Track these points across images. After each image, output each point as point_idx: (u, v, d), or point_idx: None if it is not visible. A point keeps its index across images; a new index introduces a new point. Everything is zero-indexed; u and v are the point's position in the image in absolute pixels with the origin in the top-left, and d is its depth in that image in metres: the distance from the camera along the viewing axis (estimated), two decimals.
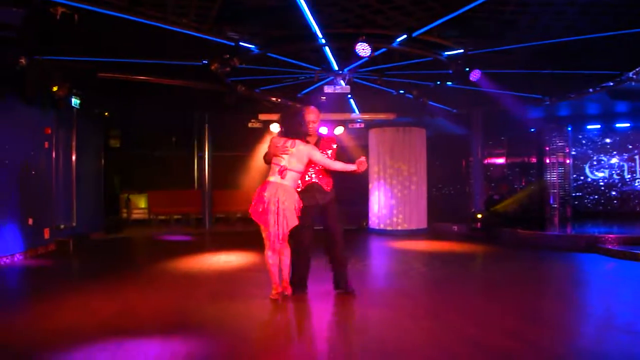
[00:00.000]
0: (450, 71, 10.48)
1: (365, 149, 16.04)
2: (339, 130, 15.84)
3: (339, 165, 7.06)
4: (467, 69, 10.15)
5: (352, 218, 16.26)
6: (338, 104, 14.31)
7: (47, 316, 6.34)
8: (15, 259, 10.31)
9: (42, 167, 11.58)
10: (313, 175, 7.26)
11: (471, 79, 10.30)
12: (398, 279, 8.06)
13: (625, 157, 18.00)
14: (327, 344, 5.41)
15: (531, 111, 15.36)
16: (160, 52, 10.04)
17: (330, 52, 9.93)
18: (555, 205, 17.40)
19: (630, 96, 12.95)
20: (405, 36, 8.90)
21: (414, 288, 8.06)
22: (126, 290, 7.76)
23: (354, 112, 15.62)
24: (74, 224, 13.21)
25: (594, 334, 5.80)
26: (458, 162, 19.17)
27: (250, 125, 16.01)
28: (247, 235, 15.18)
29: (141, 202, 19.28)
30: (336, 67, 10.77)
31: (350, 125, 15.87)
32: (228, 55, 9.51)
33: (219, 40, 8.97)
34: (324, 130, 16.31)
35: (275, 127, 16.12)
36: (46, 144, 11.80)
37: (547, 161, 17.94)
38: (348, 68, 10.77)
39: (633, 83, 11.55)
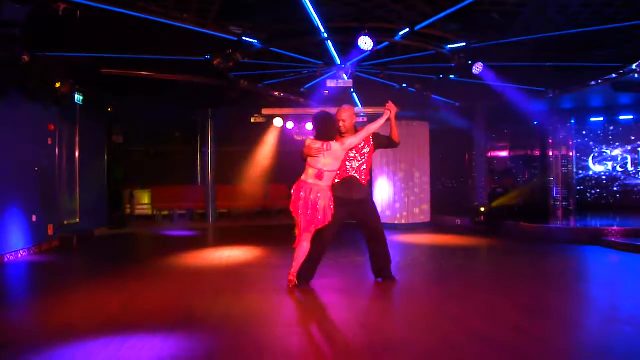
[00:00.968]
0: (453, 64, 10.46)
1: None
2: None
3: (373, 127, 7.27)
4: (470, 62, 10.13)
5: None
6: (341, 98, 14.29)
7: (52, 312, 6.36)
8: (20, 255, 10.32)
9: (45, 164, 11.59)
10: (350, 169, 7.36)
11: (474, 72, 10.29)
12: (402, 273, 8.05)
13: (629, 149, 17.98)
14: (331, 337, 5.41)
15: (534, 104, 15.33)
16: (163, 47, 10.03)
17: (333, 46, 9.91)
18: (559, 198, 17.38)
19: (634, 88, 12.92)
20: (407, 30, 8.88)
21: (418, 281, 8.07)
22: (130, 286, 7.78)
23: (357, 106, 15.61)
24: (78, 220, 13.25)
25: (598, 327, 5.81)
26: (461, 156, 19.15)
27: (253, 120, 16.00)
28: (251, 230, 15.24)
29: (145, 197, 19.31)
30: (339, 61, 10.75)
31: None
32: (231, 50, 9.50)
33: (221, 35, 8.96)
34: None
35: (278, 122, 16.14)
36: (49, 140, 11.79)
37: (551, 154, 17.92)
38: (351, 62, 10.75)
39: (636, 75, 11.52)
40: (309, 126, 16.01)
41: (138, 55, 10.39)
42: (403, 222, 15.76)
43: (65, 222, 12.57)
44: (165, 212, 18.81)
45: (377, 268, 7.72)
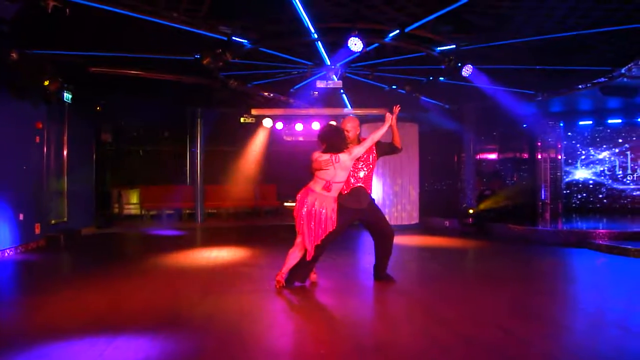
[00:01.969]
0: (443, 66, 10.47)
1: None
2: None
3: (377, 135, 7.38)
4: (460, 65, 10.15)
5: None
6: (330, 99, 14.30)
7: (37, 311, 6.33)
8: (6, 254, 10.27)
9: (33, 162, 11.53)
10: (358, 179, 7.45)
11: (463, 74, 10.31)
12: (390, 274, 8.05)
13: (617, 153, 18.06)
14: (319, 338, 5.40)
15: (524, 107, 15.38)
16: (153, 46, 10.00)
17: (323, 46, 9.91)
18: (547, 201, 17.43)
19: (622, 92, 12.97)
20: (398, 31, 8.89)
21: (406, 283, 8.06)
22: (117, 286, 7.74)
23: (346, 107, 15.62)
24: (65, 219, 13.19)
25: (585, 329, 5.82)
26: (450, 158, 19.15)
27: (242, 120, 16.01)
28: (239, 231, 15.21)
29: (133, 197, 19.25)
30: (328, 62, 10.75)
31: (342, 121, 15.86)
32: (220, 50, 9.48)
33: (211, 34, 8.94)
34: (316, 125, 16.35)
35: (268, 123, 16.13)
36: (37, 139, 11.74)
37: (539, 157, 17.97)
38: (340, 63, 10.75)
39: (625, 79, 11.58)
40: (298, 127, 16.02)
41: (128, 54, 10.34)
42: (391, 223, 15.69)
43: (53, 221, 12.52)
44: (154, 212, 18.76)
45: (378, 267, 7.87)
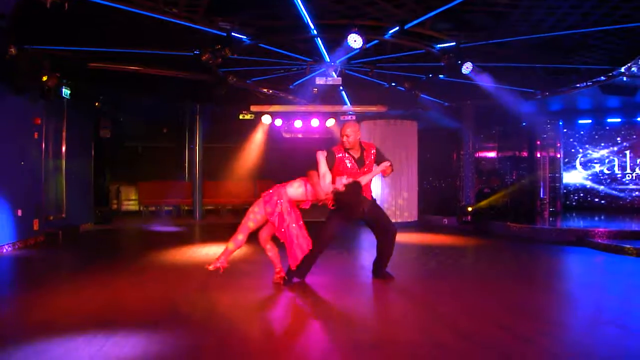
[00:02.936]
0: (443, 64, 10.45)
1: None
2: (330, 122, 15.82)
3: (369, 176, 7.47)
4: (459, 62, 10.13)
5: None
6: (330, 95, 14.29)
7: (35, 307, 6.31)
8: (4, 250, 10.25)
9: (31, 158, 11.51)
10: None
11: (463, 71, 10.28)
12: (389, 272, 8.03)
13: (616, 151, 18.07)
14: (318, 335, 5.39)
15: (523, 105, 15.37)
16: (151, 42, 9.98)
17: (322, 43, 9.89)
18: (546, 199, 17.43)
19: (622, 91, 12.96)
20: (397, 28, 8.87)
21: (405, 280, 8.05)
22: (115, 282, 7.73)
23: (345, 104, 15.61)
24: (64, 215, 13.18)
25: (582, 327, 5.81)
26: (449, 155, 19.15)
27: (241, 116, 16.01)
28: (237, 227, 15.18)
29: (131, 193, 19.28)
30: (328, 59, 10.73)
31: (341, 118, 15.89)
32: (219, 46, 9.46)
33: (210, 30, 8.92)
34: (315, 122, 16.34)
35: (267, 119, 16.11)
36: (36, 135, 11.72)
37: (538, 155, 17.96)
38: (340, 60, 10.73)
39: (625, 78, 11.57)
40: (297, 123, 15.99)
41: (126, 50, 10.32)
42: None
43: (51, 217, 12.50)
44: (152, 208, 18.77)
45: (378, 265, 7.88)
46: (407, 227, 15.45)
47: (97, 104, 15.21)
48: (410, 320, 5.89)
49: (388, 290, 7.40)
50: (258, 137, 18.64)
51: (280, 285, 7.32)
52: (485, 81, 11.51)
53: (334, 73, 11.16)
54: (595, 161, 18.42)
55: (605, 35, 9.20)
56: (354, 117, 15.85)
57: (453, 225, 15.37)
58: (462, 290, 7.45)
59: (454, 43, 9.62)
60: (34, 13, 7.84)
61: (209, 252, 10.38)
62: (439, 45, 9.74)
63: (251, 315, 6.14)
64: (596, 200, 18.38)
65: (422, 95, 13.83)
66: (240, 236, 7.19)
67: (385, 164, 7.44)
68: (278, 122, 16.85)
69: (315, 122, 16.77)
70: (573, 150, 18.71)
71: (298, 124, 16.91)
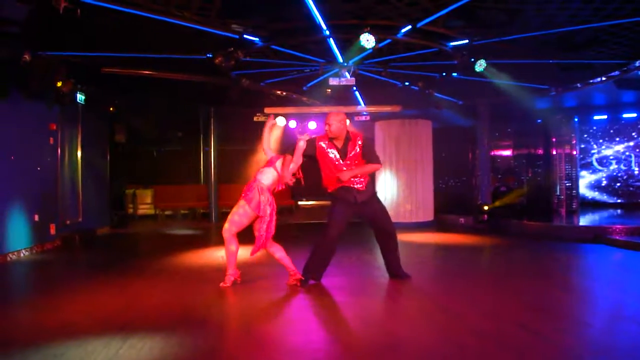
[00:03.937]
0: (456, 62, 10.41)
1: (371, 142, 15.97)
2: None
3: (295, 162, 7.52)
4: (473, 59, 10.08)
5: None
6: (344, 96, 14.27)
7: (53, 311, 6.34)
8: (22, 254, 10.33)
9: (47, 163, 11.59)
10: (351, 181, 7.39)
11: (477, 69, 10.22)
12: (405, 271, 8.01)
13: (632, 147, 17.93)
14: (334, 336, 5.38)
15: (538, 102, 15.29)
16: (165, 46, 10.00)
17: (335, 43, 9.87)
18: (562, 197, 17.33)
19: (637, 85, 12.86)
20: (410, 27, 8.84)
21: (422, 280, 8.02)
22: (132, 285, 7.76)
23: (359, 104, 15.58)
24: (80, 220, 13.24)
25: (603, 325, 5.77)
26: (464, 154, 19.08)
27: (255, 119, 16.01)
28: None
29: (147, 197, 19.31)
30: (341, 59, 10.71)
31: (356, 118, 15.85)
32: (232, 49, 9.47)
33: (222, 33, 8.93)
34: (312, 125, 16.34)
35: (281, 121, 16.12)
36: (51, 140, 11.79)
37: (554, 152, 17.87)
38: (353, 60, 10.70)
39: None
40: (311, 125, 16.02)
41: (140, 54, 10.35)
42: (406, 221, 15.71)
43: (68, 222, 12.56)
44: (168, 212, 18.83)
45: (389, 266, 7.88)
46: (423, 226, 15.43)
47: (111, 108, 15.28)
48: (427, 320, 5.86)
49: (404, 290, 7.38)
50: (272, 139, 18.63)
51: (296, 287, 7.33)
52: (499, 78, 11.46)
53: (347, 73, 11.14)
54: (612, 157, 18.28)
55: (620, 29, 9.11)
56: (368, 118, 15.83)
57: (469, 225, 15.30)
58: (479, 290, 7.42)
59: (467, 41, 9.58)
60: (47, 19, 7.86)
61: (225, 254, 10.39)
62: (451, 43, 9.69)
63: (267, 317, 6.15)
64: (613, 196, 18.25)
65: (436, 94, 13.78)
66: (232, 245, 7.50)
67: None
68: (292, 123, 16.84)
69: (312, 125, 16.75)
70: (589, 146, 18.58)
71: (312, 125, 16.88)
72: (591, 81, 12.70)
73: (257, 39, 9.32)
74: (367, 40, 8.55)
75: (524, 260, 10.07)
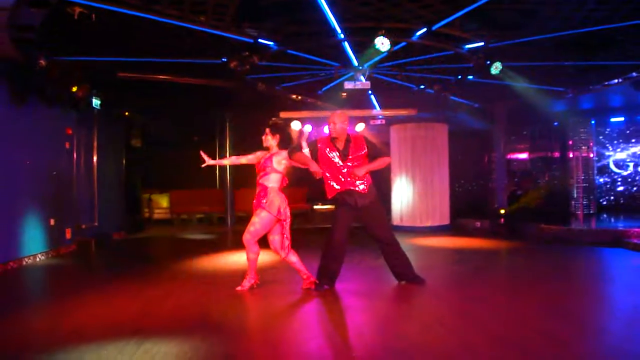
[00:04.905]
0: (472, 64, 10.36)
1: (387, 146, 15.94)
2: (360, 127, 15.77)
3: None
4: (489, 62, 10.02)
5: None
6: (359, 100, 14.24)
7: (68, 316, 6.34)
8: (37, 259, 10.37)
9: (63, 168, 11.65)
10: (348, 178, 7.37)
11: (492, 72, 10.16)
12: (421, 276, 7.96)
13: None
14: (348, 341, 5.34)
15: (554, 104, 15.20)
16: (180, 50, 10.02)
17: (350, 47, 9.85)
18: (579, 200, 17.19)
19: None
20: (425, 29, 8.81)
21: (438, 285, 7.97)
22: (147, 290, 7.74)
23: (375, 108, 15.54)
24: (96, 224, 13.28)
25: (621, 330, 5.68)
26: (480, 158, 19.03)
27: (271, 123, 16.00)
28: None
29: (163, 201, 19.35)
30: (356, 63, 10.69)
31: (371, 122, 15.80)
32: (247, 53, 9.47)
33: (237, 37, 8.94)
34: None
35: (296, 125, 16.10)
36: (67, 145, 11.86)
37: (571, 155, 17.75)
38: (368, 63, 10.67)
39: None
40: (326, 129, 15.97)
41: (155, 59, 10.38)
42: (422, 225, 15.65)
43: (83, 226, 12.60)
44: (184, 216, 18.85)
45: (396, 272, 7.78)
46: (439, 230, 15.36)
47: (127, 113, 15.33)
48: (442, 324, 5.80)
49: (419, 295, 7.33)
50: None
51: (310, 291, 7.31)
52: (515, 80, 11.40)
53: (362, 77, 11.11)
54: (629, 160, 18.11)
55: (636, 30, 9.02)
56: (383, 122, 15.78)
57: (486, 228, 15.20)
58: (496, 294, 7.36)
59: (482, 43, 9.53)
60: (62, 25, 7.90)
61: (241, 259, 10.37)
62: (467, 46, 9.65)
63: (282, 321, 6.12)
64: (631, 199, 18.07)
65: (451, 97, 13.72)
66: (253, 251, 7.59)
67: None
68: (308, 127, 16.81)
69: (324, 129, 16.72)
70: (606, 149, 18.43)
71: (327, 129, 16.85)
72: (607, 83, 12.60)
73: (271, 43, 9.32)
74: (382, 44, 8.52)
75: (541, 264, 9.97)
